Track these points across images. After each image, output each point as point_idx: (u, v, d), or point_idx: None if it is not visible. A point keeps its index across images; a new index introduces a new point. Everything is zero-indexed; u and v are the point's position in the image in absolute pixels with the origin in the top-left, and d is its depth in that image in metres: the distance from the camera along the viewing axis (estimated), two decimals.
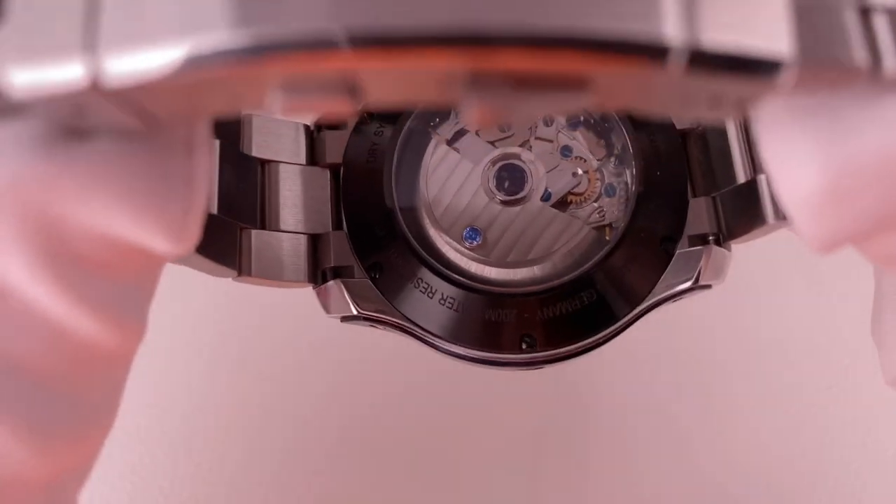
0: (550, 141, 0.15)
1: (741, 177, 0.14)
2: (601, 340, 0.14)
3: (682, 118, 0.07)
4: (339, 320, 0.15)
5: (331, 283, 0.14)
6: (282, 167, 0.14)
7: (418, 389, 0.29)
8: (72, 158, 0.08)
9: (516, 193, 0.15)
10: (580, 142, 0.15)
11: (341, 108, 0.07)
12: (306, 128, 0.15)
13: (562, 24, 0.07)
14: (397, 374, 0.29)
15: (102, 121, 0.08)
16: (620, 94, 0.08)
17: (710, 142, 0.14)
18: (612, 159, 0.15)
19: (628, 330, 0.14)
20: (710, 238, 0.15)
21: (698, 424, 0.28)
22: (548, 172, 0.15)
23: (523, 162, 0.15)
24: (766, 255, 0.29)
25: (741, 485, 0.28)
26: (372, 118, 0.15)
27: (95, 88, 0.07)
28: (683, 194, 0.14)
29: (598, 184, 0.15)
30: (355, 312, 0.14)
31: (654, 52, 0.07)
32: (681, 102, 0.08)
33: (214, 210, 0.13)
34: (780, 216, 0.13)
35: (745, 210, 0.14)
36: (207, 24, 0.07)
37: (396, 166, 0.15)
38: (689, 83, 0.07)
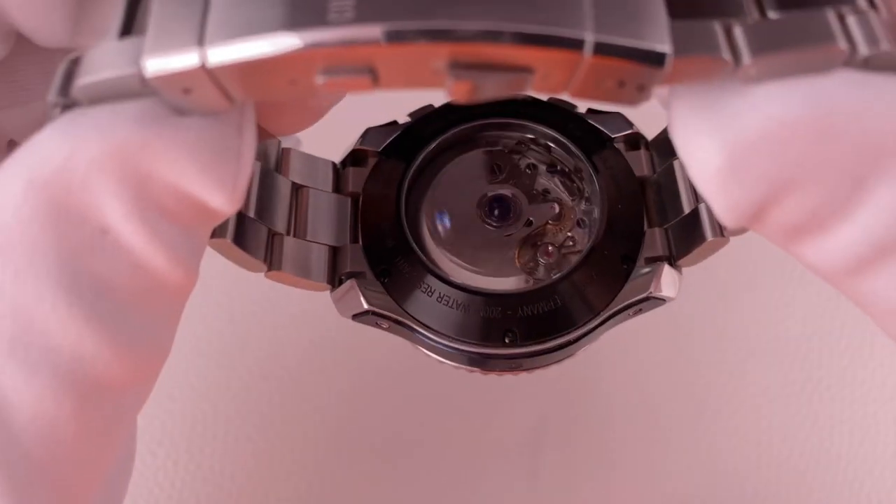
0: (534, 187, 0.18)
1: (686, 209, 0.17)
2: (573, 340, 0.17)
3: (602, 100, 0.11)
4: (349, 320, 0.17)
5: (347, 282, 0.17)
6: (311, 191, 0.17)
7: (416, 392, 0.29)
8: (162, 129, 0.11)
9: (504, 221, 0.18)
10: (557, 186, 0.18)
11: (364, 87, 0.11)
12: (334, 164, 0.18)
13: (512, 27, 0.10)
14: (395, 378, 0.29)
15: (196, 101, 0.11)
16: (555, 76, 0.11)
17: (662, 186, 0.17)
18: (583, 201, 0.18)
19: (613, 337, 0.17)
20: (663, 259, 0.17)
21: (693, 425, 0.29)
22: (530, 205, 0.18)
23: (511, 197, 0.18)
24: (764, 256, 0.30)
25: (737, 485, 0.28)
26: (388, 157, 0.18)
27: (203, 68, 0.10)
28: (641, 225, 0.17)
29: (572, 217, 0.18)
30: (365, 307, 0.17)
31: (574, 45, 0.10)
32: (595, 83, 0.11)
33: (252, 214, 0.16)
34: (716, 232, 0.16)
35: (689, 233, 0.17)
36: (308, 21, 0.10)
37: (407, 195, 0.18)
38: (597, 67, 0.10)
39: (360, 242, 0.17)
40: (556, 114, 0.18)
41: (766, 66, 0.11)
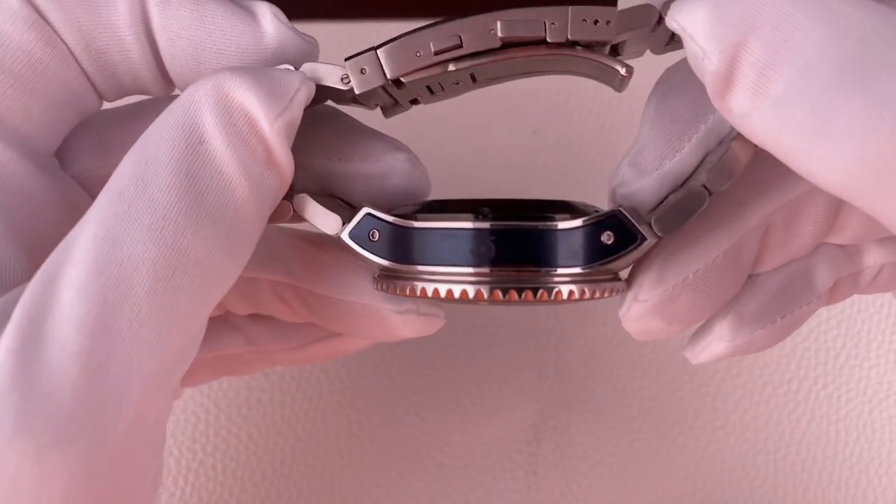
0: None
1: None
2: (546, 233, 0.17)
3: None
4: None
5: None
6: None
7: (416, 390, 0.29)
8: (247, 73, 0.16)
9: None
10: None
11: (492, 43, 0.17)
12: None
13: None
14: (395, 375, 0.29)
15: (367, 78, 0.17)
16: None
17: None
18: None
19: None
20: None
21: (691, 424, 0.29)
22: None
23: None
24: None
25: (734, 482, 0.28)
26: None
27: (374, 52, 0.17)
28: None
29: None
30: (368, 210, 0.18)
31: None
32: None
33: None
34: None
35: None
36: None
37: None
38: None
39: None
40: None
41: None
